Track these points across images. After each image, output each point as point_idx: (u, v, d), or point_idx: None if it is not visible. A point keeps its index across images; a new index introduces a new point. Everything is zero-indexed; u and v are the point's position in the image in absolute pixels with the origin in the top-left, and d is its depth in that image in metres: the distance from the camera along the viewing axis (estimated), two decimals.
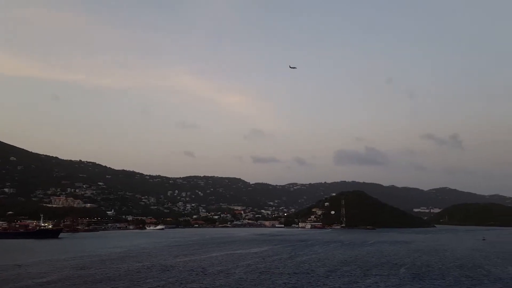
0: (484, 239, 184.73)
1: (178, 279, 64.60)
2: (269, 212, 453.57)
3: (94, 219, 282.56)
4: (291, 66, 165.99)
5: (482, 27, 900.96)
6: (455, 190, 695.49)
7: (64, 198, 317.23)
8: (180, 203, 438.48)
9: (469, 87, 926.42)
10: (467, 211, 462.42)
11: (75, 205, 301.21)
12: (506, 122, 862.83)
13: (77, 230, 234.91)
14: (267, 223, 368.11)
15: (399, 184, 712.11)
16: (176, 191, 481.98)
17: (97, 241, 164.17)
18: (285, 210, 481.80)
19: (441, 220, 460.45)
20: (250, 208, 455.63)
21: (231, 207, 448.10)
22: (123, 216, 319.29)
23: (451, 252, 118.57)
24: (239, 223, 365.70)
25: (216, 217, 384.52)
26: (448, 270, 78.31)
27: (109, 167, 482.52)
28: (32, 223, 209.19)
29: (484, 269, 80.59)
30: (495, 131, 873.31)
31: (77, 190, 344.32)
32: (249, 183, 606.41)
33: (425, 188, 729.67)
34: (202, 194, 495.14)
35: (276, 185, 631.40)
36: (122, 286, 59.24)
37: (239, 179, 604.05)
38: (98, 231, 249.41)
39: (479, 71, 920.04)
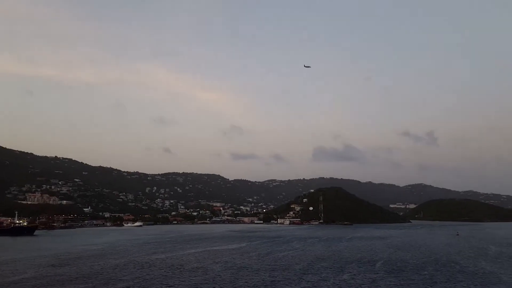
0: (458, 234, 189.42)
1: (155, 276, 64.55)
2: (248, 209, 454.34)
3: (70, 216, 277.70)
4: (305, 65, 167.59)
5: (455, 28, 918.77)
6: (430, 186, 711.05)
7: (40, 195, 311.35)
8: (158, 200, 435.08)
9: (444, 85, 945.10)
10: (441, 206, 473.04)
11: (50, 202, 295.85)
12: (479, 120, 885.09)
13: (53, 227, 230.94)
14: (246, 219, 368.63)
15: (376, 180, 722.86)
16: (155, 188, 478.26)
17: (73, 238, 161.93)
18: (264, 206, 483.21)
19: (416, 216, 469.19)
20: (229, 204, 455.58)
21: (210, 203, 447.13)
22: (100, 213, 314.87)
23: (426, 247, 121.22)
24: (218, 219, 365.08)
25: (195, 213, 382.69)
26: (423, 265, 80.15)
27: (86, 164, 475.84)
28: (6, 220, 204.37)
29: (458, 264, 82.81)
30: (469, 129, 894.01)
31: (52, 187, 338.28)
32: (228, 179, 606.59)
33: (401, 184, 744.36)
34: (181, 191, 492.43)
35: (255, 181, 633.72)
36: (99, 283, 58.91)
37: (218, 175, 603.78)
38: (74, 228, 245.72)
39: (454, 70, 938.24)
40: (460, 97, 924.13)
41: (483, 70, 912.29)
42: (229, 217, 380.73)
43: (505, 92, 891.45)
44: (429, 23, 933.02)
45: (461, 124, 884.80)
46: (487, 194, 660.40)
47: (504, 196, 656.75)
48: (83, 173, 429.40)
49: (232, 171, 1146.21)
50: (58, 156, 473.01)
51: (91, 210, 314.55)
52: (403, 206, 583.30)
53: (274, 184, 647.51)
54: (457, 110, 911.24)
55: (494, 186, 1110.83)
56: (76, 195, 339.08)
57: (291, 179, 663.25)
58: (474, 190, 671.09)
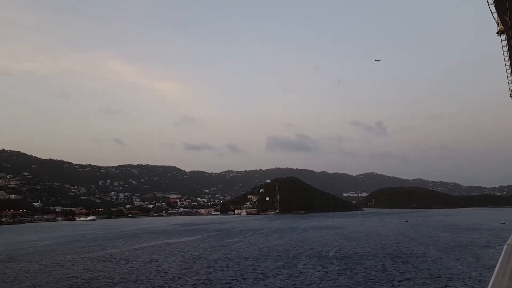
0: (407, 221, 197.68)
1: (106, 271, 63.44)
2: (205, 200, 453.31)
3: (19, 211, 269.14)
4: (376, 59, 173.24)
5: (401, 20, 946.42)
6: (381, 175, 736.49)
7: None
8: (112, 193, 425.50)
9: (392, 76, 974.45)
10: (392, 194, 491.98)
11: None
12: (425, 109, 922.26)
13: (0, 223, 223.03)
14: (203, 211, 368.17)
15: (330, 170, 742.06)
16: (108, 181, 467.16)
17: (22, 234, 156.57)
18: (221, 197, 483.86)
19: (368, 204, 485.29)
20: (186, 196, 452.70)
21: (166, 195, 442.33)
22: (51, 208, 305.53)
23: (378, 235, 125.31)
24: (175, 211, 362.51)
25: (150, 206, 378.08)
26: (375, 253, 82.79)
27: (35, 156, 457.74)
28: None
29: (408, 250, 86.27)
30: (415, 118, 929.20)
31: (0, 181, 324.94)
32: (184, 171, 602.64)
33: (354, 173, 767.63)
34: (136, 183, 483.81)
35: (212, 172, 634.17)
36: (46, 280, 57.29)
37: (175, 167, 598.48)
38: (24, 223, 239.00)
39: (400, 61, 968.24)
40: (406, 87, 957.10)
41: (426, 61, 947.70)
42: (185, 209, 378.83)
43: (448, 82, 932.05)
44: (376, 15, 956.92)
45: (408, 113, 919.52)
46: (434, 182, 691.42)
47: (451, 184, 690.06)
48: (32, 166, 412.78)
49: (187, 162, 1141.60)
50: (5, 149, 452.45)
51: (41, 204, 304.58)
52: (356, 195, 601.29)
53: (230, 175, 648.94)
54: (404, 100, 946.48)
55: (441, 174, 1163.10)
56: (25, 189, 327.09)
57: (247, 169, 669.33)
58: (423, 178, 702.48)
